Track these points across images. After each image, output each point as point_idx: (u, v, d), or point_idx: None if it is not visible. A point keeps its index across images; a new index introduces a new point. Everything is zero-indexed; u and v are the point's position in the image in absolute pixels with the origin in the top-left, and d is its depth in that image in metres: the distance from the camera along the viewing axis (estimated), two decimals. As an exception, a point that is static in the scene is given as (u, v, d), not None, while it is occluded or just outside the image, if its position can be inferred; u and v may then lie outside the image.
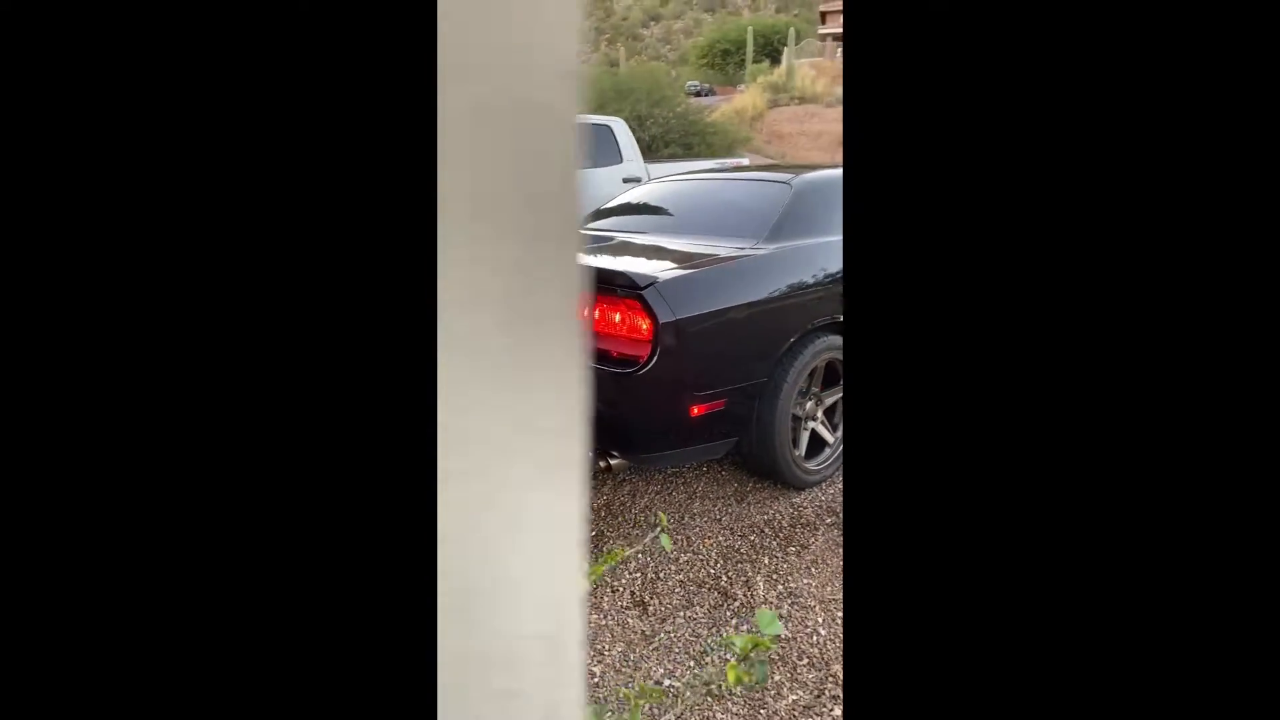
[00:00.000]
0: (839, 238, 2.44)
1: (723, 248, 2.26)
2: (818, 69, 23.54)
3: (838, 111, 21.05)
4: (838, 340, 2.32)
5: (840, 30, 28.02)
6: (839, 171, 2.76)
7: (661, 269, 2.02)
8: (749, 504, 2.34)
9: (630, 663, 1.65)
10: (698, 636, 1.73)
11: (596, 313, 2.06)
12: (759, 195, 2.60)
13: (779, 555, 2.05)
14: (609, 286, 2.03)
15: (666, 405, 1.98)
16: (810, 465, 2.37)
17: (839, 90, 21.88)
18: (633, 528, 2.22)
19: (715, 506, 2.32)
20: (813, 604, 1.83)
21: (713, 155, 12.04)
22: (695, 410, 2.02)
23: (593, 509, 2.33)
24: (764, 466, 2.30)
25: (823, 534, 2.16)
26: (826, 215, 2.46)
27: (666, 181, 3.19)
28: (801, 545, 2.10)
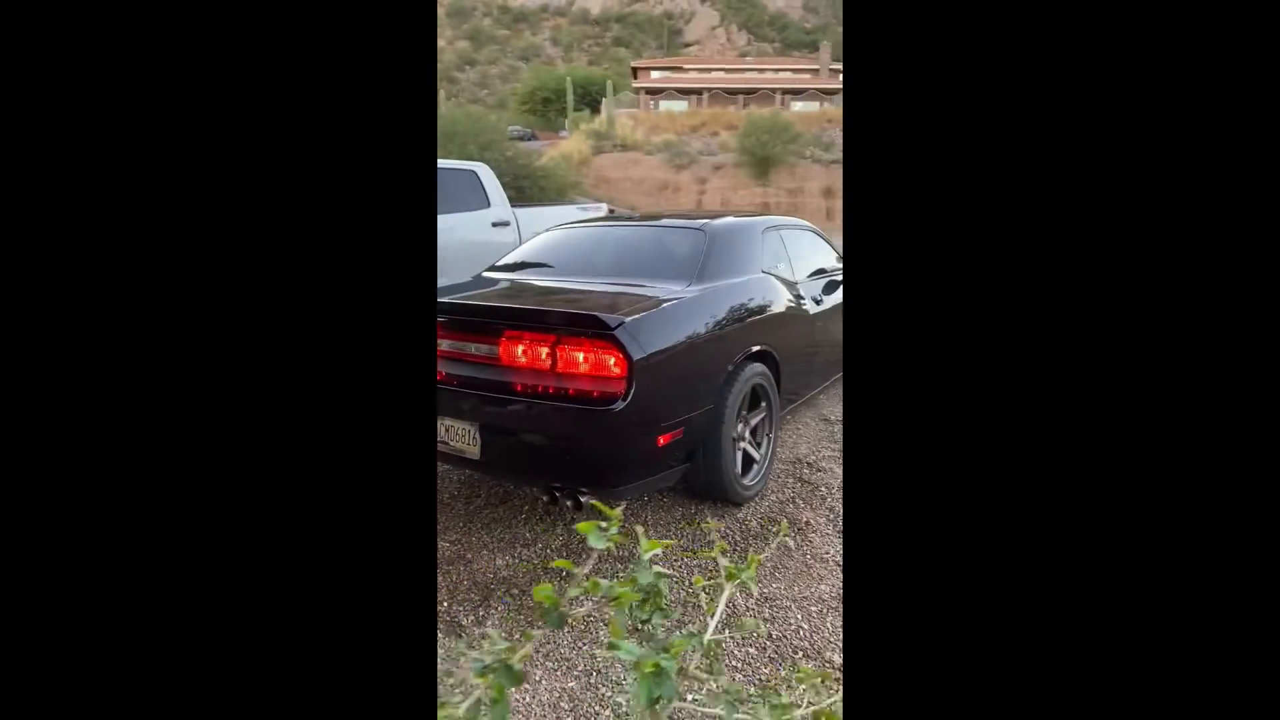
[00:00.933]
0: (751, 277, 2.74)
1: (659, 289, 2.45)
2: (636, 119, 25.09)
3: (658, 159, 22.57)
4: (760, 367, 2.60)
5: (650, 85, 30.15)
6: (738, 219, 3.09)
7: (620, 310, 2.15)
8: (699, 525, 2.50)
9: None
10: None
11: (556, 354, 2.12)
12: (675, 241, 2.84)
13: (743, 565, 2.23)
14: (568, 329, 2.12)
15: (639, 438, 2.09)
16: (746, 481, 2.59)
17: (656, 139, 23.50)
18: (602, 561, 2.28)
19: (671, 531, 2.45)
20: (789, 604, 2.02)
21: (545, 199, 12.26)
22: (661, 440, 2.15)
23: (552, 549, 2.34)
24: (710, 487, 2.48)
25: (773, 541, 2.38)
26: (738, 258, 2.75)
27: (571, 228, 3.33)
28: (759, 554, 2.30)
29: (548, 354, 2.14)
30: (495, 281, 2.94)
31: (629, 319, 2.07)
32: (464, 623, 1.97)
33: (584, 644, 1.86)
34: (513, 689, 0.67)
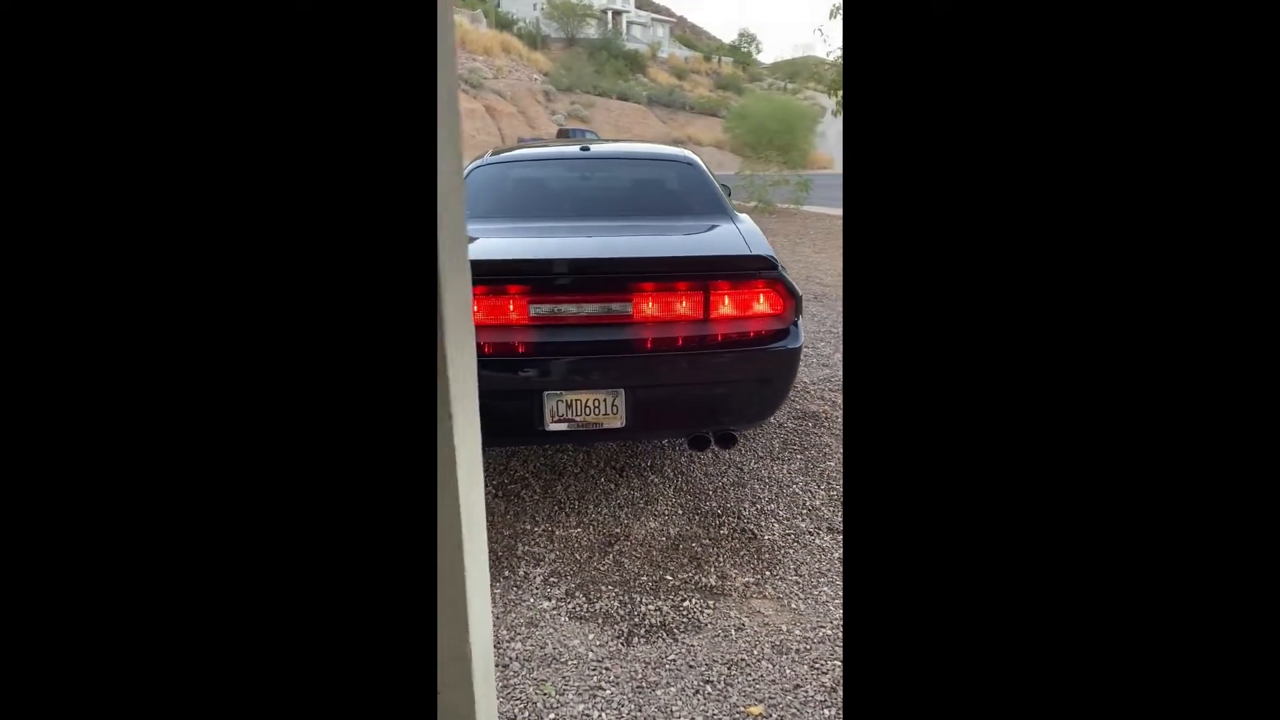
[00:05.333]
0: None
1: (714, 224, 2.48)
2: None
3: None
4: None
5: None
6: (674, 149, 3.14)
7: (745, 248, 2.17)
8: (754, 436, 2.75)
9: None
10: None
11: (709, 300, 2.05)
12: (673, 175, 2.80)
13: (815, 447, 2.62)
14: (724, 273, 2.06)
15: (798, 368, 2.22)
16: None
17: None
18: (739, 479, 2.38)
19: (743, 447, 2.65)
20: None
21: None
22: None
23: (677, 503, 2.32)
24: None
25: (817, 434, 2.81)
26: (721, 189, 2.90)
27: (513, 165, 2.88)
28: (821, 450, 2.72)
29: (697, 302, 2.06)
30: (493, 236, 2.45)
31: (774, 257, 2.14)
32: (713, 583, 1.92)
33: (820, 578, 2.05)
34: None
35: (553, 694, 1.55)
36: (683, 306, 2.07)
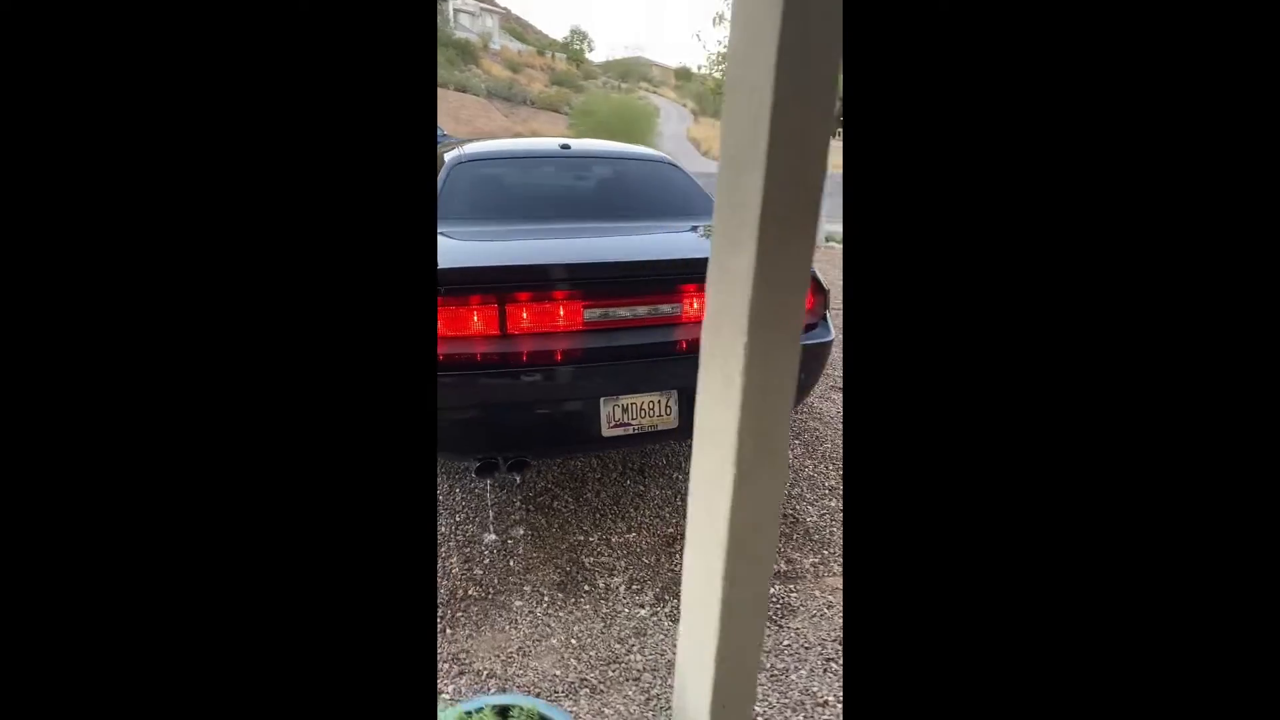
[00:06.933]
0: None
1: (708, 224, 2.54)
2: None
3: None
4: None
5: None
6: (650, 150, 3.16)
7: None
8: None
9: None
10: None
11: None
12: (659, 175, 2.80)
13: (806, 431, 2.80)
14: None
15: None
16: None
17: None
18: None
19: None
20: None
21: None
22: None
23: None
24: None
25: (802, 420, 2.99)
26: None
27: (496, 164, 2.71)
28: (812, 434, 2.90)
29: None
30: (486, 236, 2.30)
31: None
32: (783, 568, 2.00)
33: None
34: None
35: (698, 697, 1.55)
36: (727, 305, 2.13)
